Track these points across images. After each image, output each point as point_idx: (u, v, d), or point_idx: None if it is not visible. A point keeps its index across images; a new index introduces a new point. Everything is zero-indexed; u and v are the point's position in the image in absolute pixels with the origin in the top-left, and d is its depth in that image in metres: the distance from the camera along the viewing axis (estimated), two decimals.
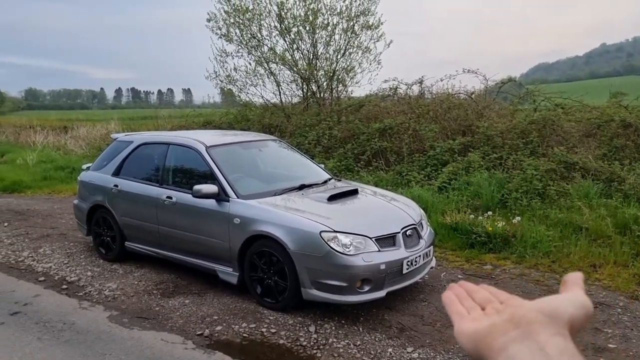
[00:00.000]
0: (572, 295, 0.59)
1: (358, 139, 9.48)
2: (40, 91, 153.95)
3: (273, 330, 4.20)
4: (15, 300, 4.97)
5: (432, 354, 3.77)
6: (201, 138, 5.53)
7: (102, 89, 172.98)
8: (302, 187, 5.19)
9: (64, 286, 5.32)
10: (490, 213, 6.35)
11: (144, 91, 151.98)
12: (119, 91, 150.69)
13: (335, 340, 4.02)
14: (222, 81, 12.75)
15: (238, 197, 4.79)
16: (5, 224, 7.89)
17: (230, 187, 4.87)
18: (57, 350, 3.95)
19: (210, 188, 4.82)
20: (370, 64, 12.17)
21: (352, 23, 11.75)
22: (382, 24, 11.85)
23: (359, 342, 3.97)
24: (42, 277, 5.61)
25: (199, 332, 4.21)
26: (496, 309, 0.60)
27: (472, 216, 6.27)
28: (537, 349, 0.52)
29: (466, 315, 0.62)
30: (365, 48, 12.02)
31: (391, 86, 10.88)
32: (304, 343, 3.99)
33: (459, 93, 9.95)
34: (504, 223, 5.98)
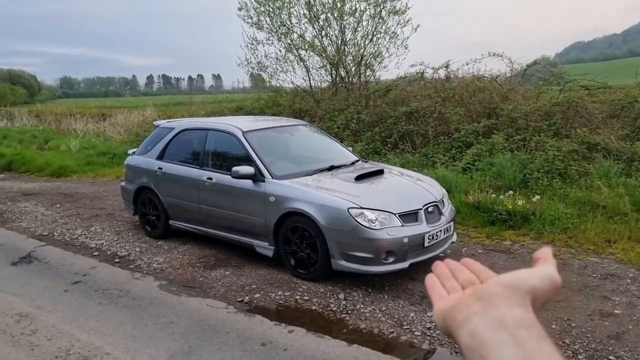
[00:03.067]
0: (540, 268, 0.60)
1: (385, 123, 9.81)
2: (75, 79, 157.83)
3: (306, 298, 4.64)
4: (74, 271, 5.55)
5: None
6: (237, 124, 5.98)
7: (134, 76, 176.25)
8: (331, 168, 5.60)
9: (116, 260, 5.88)
10: (511, 192, 6.64)
11: (174, 77, 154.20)
12: (150, 78, 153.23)
13: (362, 306, 4.44)
14: (253, 68, 13.21)
15: (273, 178, 5.23)
16: (58, 205, 8.55)
17: (266, 168, 5.32)
18: (116, 313, 4.48)
19: (247, 169, 5.27)
20: (397, 49, 12.42)
21: (379, 9, 11.99)
22: (409, 8, 12.06)
23: (384, 308, 4.38)
24: (95, 252, 6.19)
25: (239, 299, 4.68)
26: (474, 290, 0.60)
27: (493, 195, 6.57)
28: (496, 320, 0.53)
29: (445, 297, 0.63)
30: (393, 33, 12.26)
31: (418, 70, 11.13)
32: (334, 309, 4.42)
33: (485, 76, 10.13)
34: (524, 201, 6.26)
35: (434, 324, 4.06)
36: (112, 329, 4.19)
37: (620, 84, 9.42)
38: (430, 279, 0.67)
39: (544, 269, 0.60)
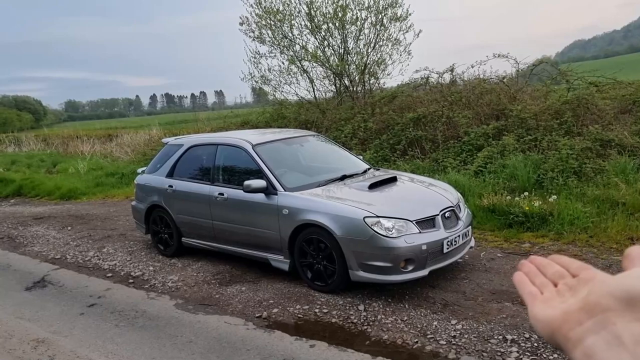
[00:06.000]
0: None
1: (393, 130, 9.74)
2: (79, 102, 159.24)
3: (325, 310, 4.55)
4: (89, 294, 5.49)
5: (475, 325, 4.05)
6: (246, 137, 5.93)
7: (137, 96, 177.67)
8: (343, 178, 5.53)
9: (130, 280, 5.81)
10: (526, 194, 6.53)
11: (177, 96, 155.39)
12: (153, 97, 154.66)
13: (383, 316, 4.34)
14: (257, 82, 13.21)
15: (285, 190, 5.17)
16: (69, 228, 8.52)
17: (278, 181, 5.25)
18: (134, 334, 4.41)
19: (259, 183, 5.21)
20: (400, 55, 12.39)
21: (380, 16, 11.98)
22: (410, 14, 12.04)
23: (405, 318, 4.28)
24: (109, 273, 6.13)
25: (257, 315, 4.60)
26: (569, 285, 0.59)
27: (508, 197, 6.47)
28: (614, 340, 0.50)
29: (538, 296, 0.61)
30: (395, 40, 12.24)
31: (422, 76, 11.08)
32: (355, 320, 4.33)
33: (491, 78, 10.06)
34: (540, 202, 6.16)
35: (459, 332, 3.96)
36: (130, 351, 4.11)
37: (626, 79, 9.32)
38: (519, 277, 0.65)
39: None
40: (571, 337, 0.53)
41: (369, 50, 12.24)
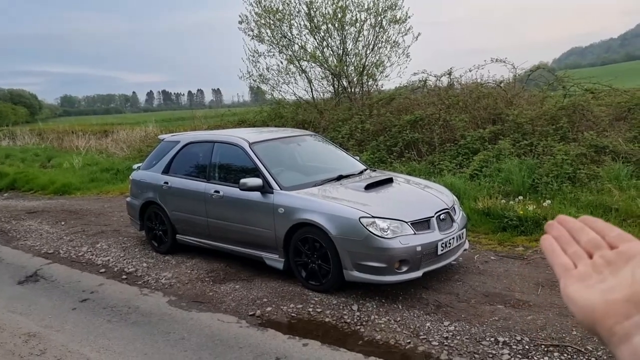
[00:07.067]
0: None
1: (390, 131, 9.76)
2: (76, 97, 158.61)
3: (319, 310, 4.55)
4: (82, 289, 5.47)
5: (467, 326, 4.06)
6: (243, 135, 5.93)
7: (134, 92, 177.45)
8: (340, 178, 5.53)
9: (124, 276, 5.80)
10: (521, 198, 6.56)
11: (174, 93, 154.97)
12: (150, 94, 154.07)
13: (376, 317, 4.35)
14: (255, 80, 13.21)
15: (281, 189, 5.17)
16: (63, 223, 8.48)
17: (274, 179, 5.25)
18: (126, 330, 4.40)
19: (255, 181, 5.21)
20: (399, 58, 12.43)
21: (379, 18, 12.02)
22: (409, 17, 12.08)
23: (399, 318, 4.29)
24: (102, 269, 6.11)
25: (251, 313, 4.60)
26: (606, 259, 0.53)
27: (503, 201, 6.50)
28: None
29: (572, 269, 0.54)
30: (394, 42, 12.27)
31: (420, 78, 11.11)
32: (348, 320, 4.33)
33: (488, 82, 10.11)
34: (534, 207, 6.18)
35: (451, 333, 3.97)
36: (122, 347, 4.10)
37: (622, 87, 9.37)
38: (548, 242, 0.58)
39: None
40: (617, 331, 0.49)
41: (368, 52, 12.28)
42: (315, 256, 4.87)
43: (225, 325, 4.40)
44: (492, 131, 8.58)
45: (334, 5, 11.90)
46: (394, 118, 9.95)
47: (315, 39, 12.37)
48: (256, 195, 5.28)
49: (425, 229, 4.71)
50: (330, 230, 4.65)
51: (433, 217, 4.78)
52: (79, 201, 10.62)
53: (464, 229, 5.15)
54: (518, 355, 3.62)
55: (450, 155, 8.69)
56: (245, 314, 4.59)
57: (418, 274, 4.57)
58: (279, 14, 12.18)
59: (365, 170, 6.04)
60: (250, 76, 13.11)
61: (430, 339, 3.93)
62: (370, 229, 4.49)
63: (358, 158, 6.64)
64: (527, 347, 3.72)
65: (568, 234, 0.58)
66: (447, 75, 10.77)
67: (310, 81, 12.79)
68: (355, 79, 12.50)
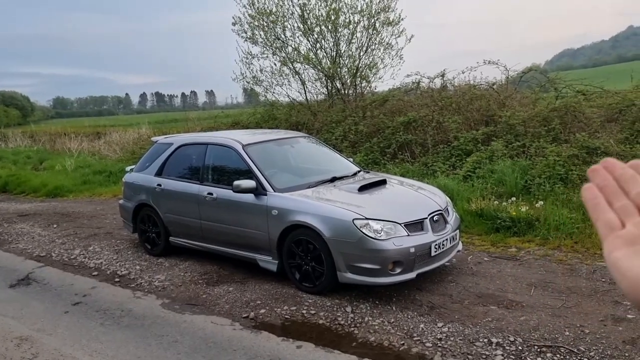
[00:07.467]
0: None
1: (383, 133, 9.78)
2: (68, 99, 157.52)
3: (313, 312, 4.55)
4: (74, 292, 5.44)
5: (460, 327, 4.07)
6: (237, 137, 5.92)
7: (127, 94, 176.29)
8: (333, 180, 5.53)
9: (117, 279, 5.77)
10: (514, 199, 6.59)
11: (167, 95, 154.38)
12: (143, 96, 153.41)
13: (370, 318, 4.35)
14: (248, 82, 13.20)
15: (275, 191, 5.16)
16: (55, 225, 8.43)
17: (267, 181, 5.25)
18: (119, 333, 4.38)
19: (249, 183, 5.20)
20: (392, 60, 12.45)
21: (373, 20, 12.03)
22: (402, 19, 12.10)
23: (392, 320, 4.30)
24: (95, 271, 6.08)
25: (244, 315, 4.58)
26: None
27: (496, 202, 6.52)
28: None
29: (617, 229, 0.46)
30: (387, 44, 12.29)
31: (414, 80, 11.15)
32: (342, 322, 4.33)
33: (481, 84, 10.15)
34: (527, 208, 6.21)
35: (445, 334, 3.98)
36: (115, 350, 4.08)
37: (613, 89, 9.44)
38: (590, 193, 0.48)
39: None
40: None
41: (361, 54, 12.29)
42: (308, 258, 4.87)
43: (218, 327, 4.39)
44: (485, 133, 8.61)
45: (327, 8, 11.91)
46: (388, 120, 9.97)
47: (309, 41, 12.38)
48: (250, 197, 5.27)
49: (419, 231, 4.72)
50: (324, 232, 4.65)
51: (426, 218, 4.80)
52: (72, 204, 10.57)
53: (458, 230, 5.16)
54: (511, 356, 3.63)
55: (443, 156, 8.72)
56: (239, 316, 4.58)
57: (412, 275, 4.57)
58: (273, 15, 12.17)
59: (359, 171, 6.04)
60: (243, 78, 13.11)
61: (424, 340, 3.93)
62: (364, 230, 4.49)
63: (351, 160, 6.65)
64: (520, 347, 3.73)
65: (615, 184, 0.48)
66: (440, 77, 10.80)
67: (303, 83, 12.80)
68: (348, 81, 12.52)
